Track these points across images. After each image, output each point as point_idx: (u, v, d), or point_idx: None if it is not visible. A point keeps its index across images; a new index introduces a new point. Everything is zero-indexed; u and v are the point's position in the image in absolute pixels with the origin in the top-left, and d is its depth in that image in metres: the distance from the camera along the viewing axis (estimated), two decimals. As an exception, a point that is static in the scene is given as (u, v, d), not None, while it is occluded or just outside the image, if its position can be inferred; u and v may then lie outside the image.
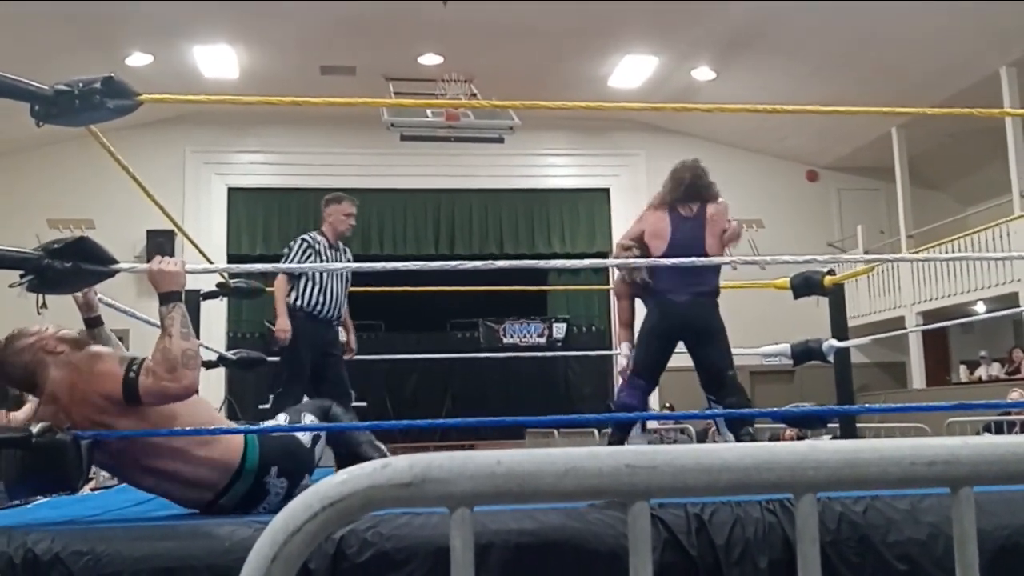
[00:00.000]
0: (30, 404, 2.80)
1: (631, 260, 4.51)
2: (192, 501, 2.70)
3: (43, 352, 2.60)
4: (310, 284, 5.53)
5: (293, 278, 5.54)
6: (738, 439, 4.43)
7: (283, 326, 5.46)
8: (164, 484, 2.66)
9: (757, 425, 11.10)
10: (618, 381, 4.93)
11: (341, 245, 5.76)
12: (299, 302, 5.55)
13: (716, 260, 4.48)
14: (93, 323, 3.06)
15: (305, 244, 5.60)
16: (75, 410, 2.51)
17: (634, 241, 4.76)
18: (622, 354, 4.84)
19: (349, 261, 5.85)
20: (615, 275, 5.07)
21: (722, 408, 4.47)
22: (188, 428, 2.61)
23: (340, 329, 5.86)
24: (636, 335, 4.82)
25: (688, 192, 4.71)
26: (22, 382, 2.68)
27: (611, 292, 5.23)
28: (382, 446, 3.19)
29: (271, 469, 2.71)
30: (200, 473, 2.63)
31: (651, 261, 4.36)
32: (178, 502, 2.74)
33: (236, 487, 2.67)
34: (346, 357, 5.86)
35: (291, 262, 5.54)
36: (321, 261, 5.55)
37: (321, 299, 5.53)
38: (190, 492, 2.67)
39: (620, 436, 4.60)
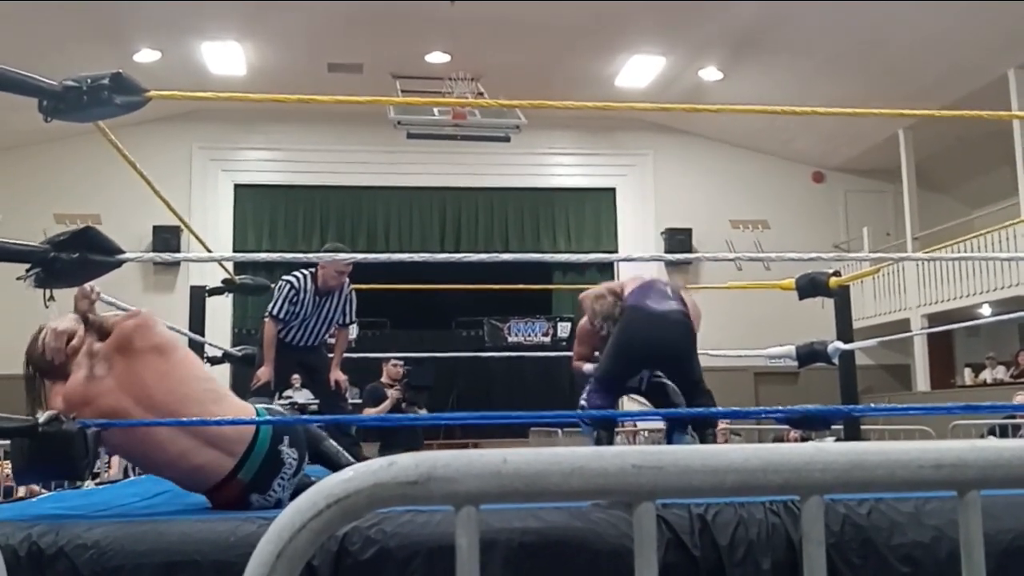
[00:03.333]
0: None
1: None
2: (209, 475, 2.67)
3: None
4: (286, 322, 5.46)
5: (280, 322, 5.44)
6: (703, 439, 4.38)
7: (265, 376, 5.35)
8: (183, 455, 2.63)
9: (761, 426, 11.11)
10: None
11: (337, 291, 5.53)
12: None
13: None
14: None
15: (291, 289, 5.42)
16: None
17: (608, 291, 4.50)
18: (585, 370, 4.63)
19: (349, 302, 5.61)
20: (583, 321, 4.79)
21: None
22: (199, 414, 2.63)
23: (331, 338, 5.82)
24: (607, 347, 4.43)
25: None
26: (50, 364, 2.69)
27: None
28: (351, 460, 3.19)
29: (283, 438, 2.76)
30: (219, 436, 2.65)
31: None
32: (194, 476, 2.69)
33: (253, 456, 2.68)
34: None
35: (275, 304, 5.42)
36: (302, 307, 5.41)
37: (290, 334, 5.49)
38: (208, 458, 2.66)
39: (609, 436, 4.49)
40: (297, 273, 5.52)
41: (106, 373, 2.61)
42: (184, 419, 2.59)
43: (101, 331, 2.71)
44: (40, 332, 2.70)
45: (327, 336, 5.68)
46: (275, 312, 5.41)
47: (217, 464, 2.66)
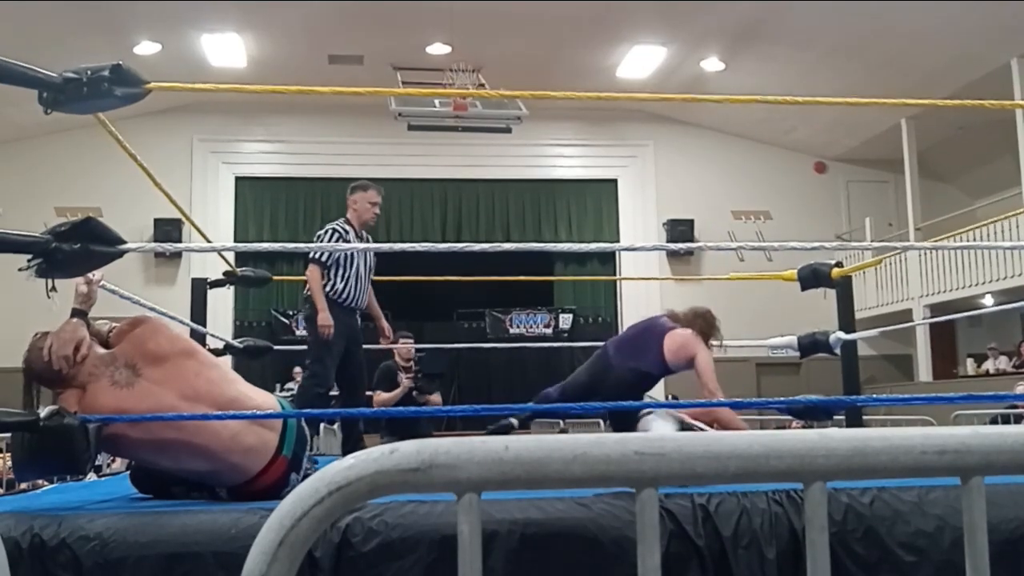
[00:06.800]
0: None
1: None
2: (261, 454, 2.66)
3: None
4: (340, 272, 5.35)
5: (325, 267, 5.33)
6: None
7: (326, 321, 5.15)
8: (236, 436, 2.62)
9: (763, 417, 11.09)
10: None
11: (365, 234, 5.57)
12: (327, 290, 5.34)
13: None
14: (80, 315, 3.03)
15: (335, 233, 5.40)
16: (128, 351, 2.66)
17: None
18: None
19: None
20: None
21: None
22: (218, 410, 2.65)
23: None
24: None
25: None
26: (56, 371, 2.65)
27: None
28: None
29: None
30: (260, 411, 2.69)
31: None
32: (247, 457, 2.65)
33: (289, 430, 2.72)
34: (383, 344, 5.92)
35: (319, 251, 5.36)
36: (349, 250, 5.35)
37: (348, 288, 5.38)
38: (257, 436, 2.65)
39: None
40: (335, 223, 5.54)
41: (132, 379, 2.58)
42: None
43: (100, 339, 2.70)
44: (39, 339, 2.64)
45: (369, 291, 5.63)
46: (320, 256, 5.31)
47: (265, 441, 2.67)
